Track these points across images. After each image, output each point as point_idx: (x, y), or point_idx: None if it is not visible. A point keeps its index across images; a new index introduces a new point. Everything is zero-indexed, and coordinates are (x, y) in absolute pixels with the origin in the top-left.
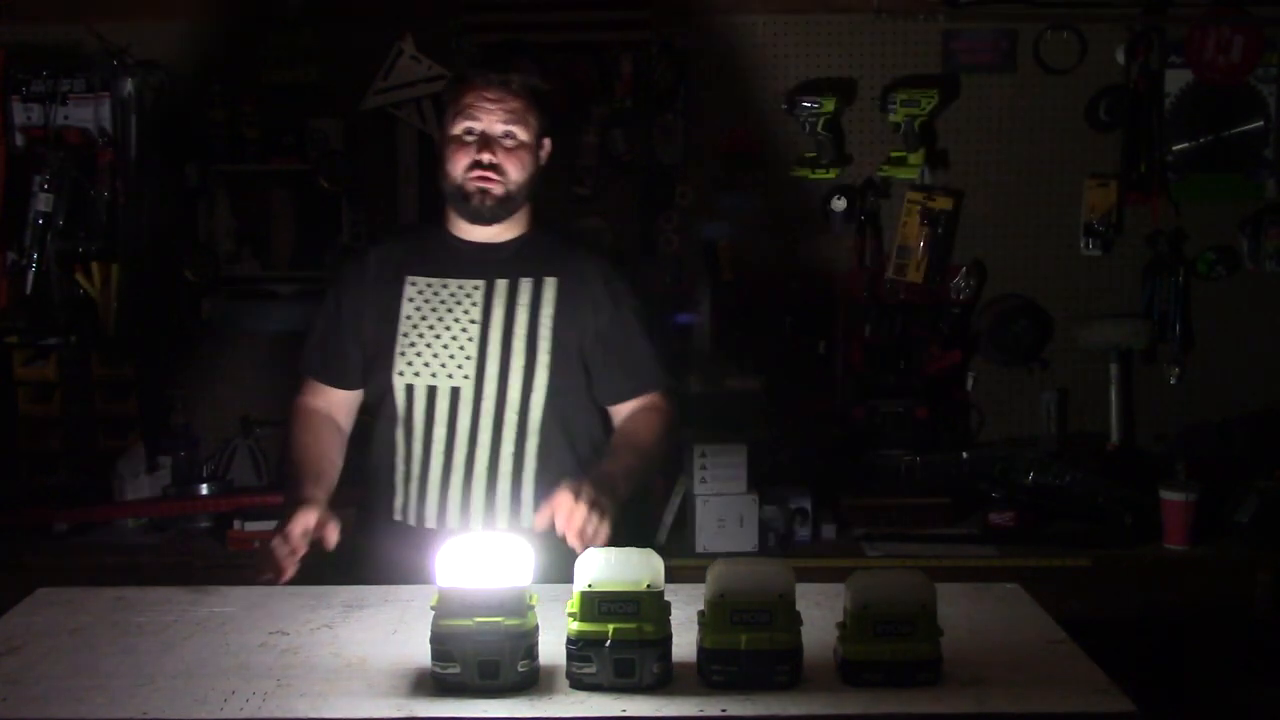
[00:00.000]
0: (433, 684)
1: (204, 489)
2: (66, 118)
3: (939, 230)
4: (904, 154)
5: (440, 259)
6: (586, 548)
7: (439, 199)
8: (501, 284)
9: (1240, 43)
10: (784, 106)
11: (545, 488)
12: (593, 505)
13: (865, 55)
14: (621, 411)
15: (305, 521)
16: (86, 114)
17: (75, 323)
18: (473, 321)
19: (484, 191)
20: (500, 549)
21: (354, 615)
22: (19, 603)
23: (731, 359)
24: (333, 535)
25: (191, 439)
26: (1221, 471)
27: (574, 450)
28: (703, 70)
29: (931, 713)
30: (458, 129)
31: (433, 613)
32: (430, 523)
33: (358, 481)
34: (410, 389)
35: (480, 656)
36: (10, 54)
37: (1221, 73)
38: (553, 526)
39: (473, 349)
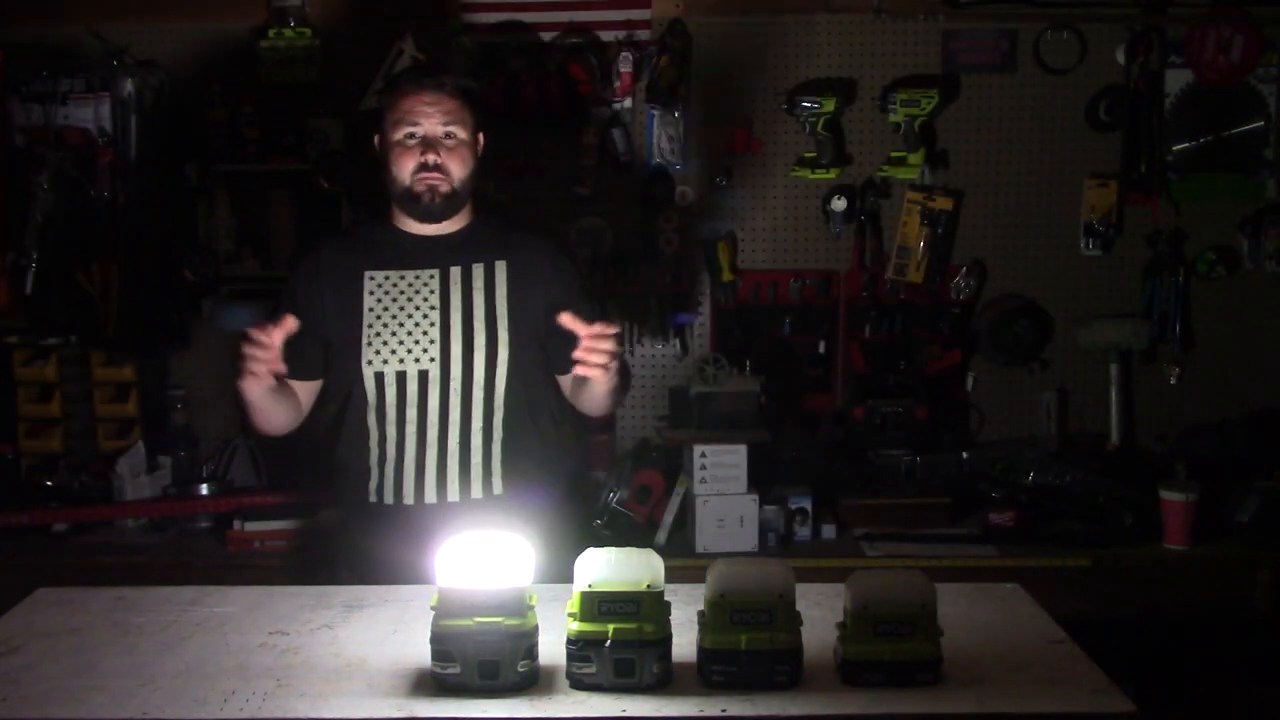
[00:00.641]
0: (433, 684)
1: (204, 489)
2: (66, 118)
3: (939, 230)
4: (904, 154)
5: (394, 253)
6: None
7: (383, 199)
8: (455, 271)
9: (1240, 43)
10: (784, 106)
11: (513, 457)
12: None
13: (865, 55)
14: (571, 380)
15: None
16: (86, 114)
17: (75, 323)
18: (432, 308)
19: (432, 189)
20: (500, 549)
21: (354, 615)
22: (19, 603)
23: (731, 359)
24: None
25: (191, 439)
26: (1221, 471)
27: (536, 420)
28: (703, 70)
29: (931, 713)
30: (399, 134)
31: (433, 613)
32: (408, 499)
33: (331, 481)
34: (380, 376)
35: (480, 656)
36: (10, 54)
37: (1221, 73)
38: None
39: (435, 333)
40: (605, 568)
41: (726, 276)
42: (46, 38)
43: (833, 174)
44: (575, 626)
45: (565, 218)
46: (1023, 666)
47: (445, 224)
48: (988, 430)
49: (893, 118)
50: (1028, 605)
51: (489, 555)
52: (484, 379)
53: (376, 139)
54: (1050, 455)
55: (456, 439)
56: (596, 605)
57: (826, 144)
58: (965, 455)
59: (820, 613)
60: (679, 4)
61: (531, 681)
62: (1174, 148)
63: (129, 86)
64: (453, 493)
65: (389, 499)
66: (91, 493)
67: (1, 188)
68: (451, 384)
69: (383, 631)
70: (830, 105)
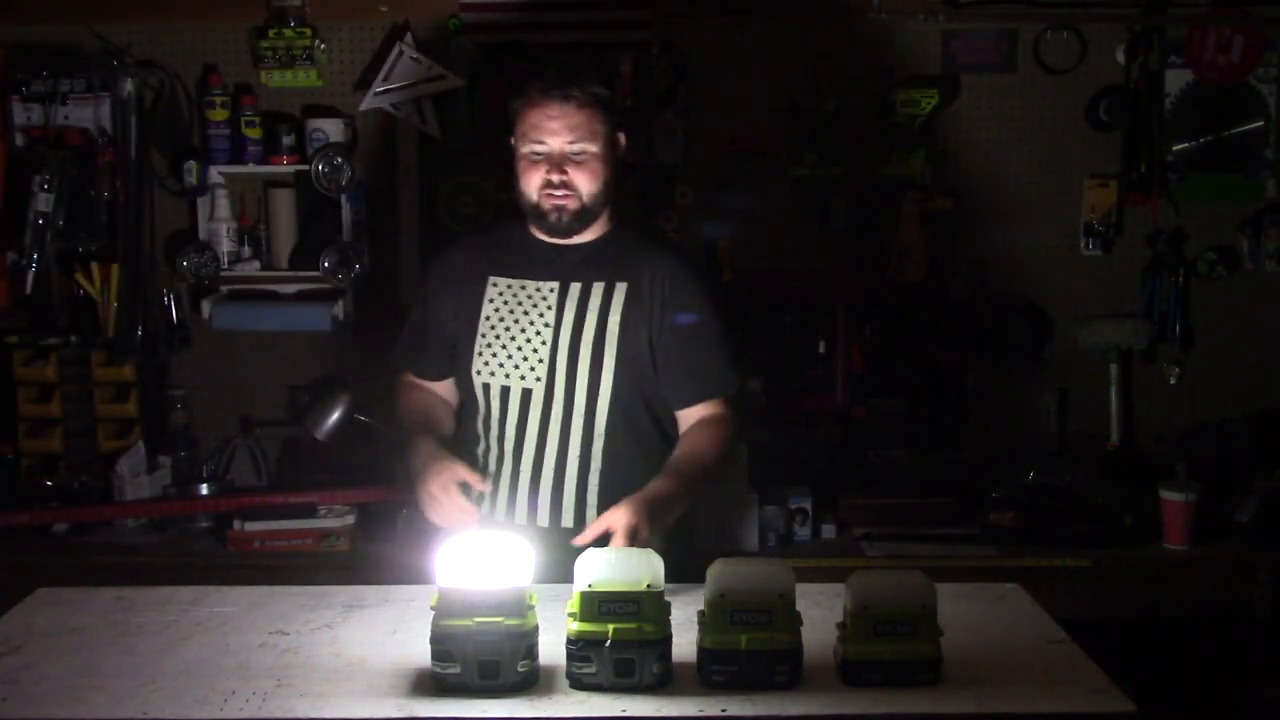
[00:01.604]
0: (433, 684)
1: (204, 489)
2: (66, 118)
3: (939, 230)
4: (904, 154)
5: (520, 260)
6: None
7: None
8: (575, 287)
9: (1240, 43)
10: (784, 106)
11: (611, 489)
12: (631, 536)
13: (865, 55)
14: (685, 417)
15: (447, 476)
16: (86, 114)
17: (75, 323)
18: (546, 325)
19: (560, 209)
20: (500, 549)
21: (354, 615)
22: (19, 603)
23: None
24: (473, 480)
25: (191, 439)
26: (1221, 471)
27: (642, 452)
28: (703, 70)
29: (931, 713)
30: (526, 149)
31: (432, 613)
32: (500, 514)
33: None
34: (487, 387)
35: (480, 656)
36: (10, 54)
37: (1221, 73)
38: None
39: (545, 352)
40: (605, 568)
41: (726, 276)
42: (46, 38)
43: (833, 174)
44: (575, 626)
45: None
46: (1023, 666)
47: (578, 235)
48: (988, 430)
49: (893, 118)
50: (1028, 605)
51: (489, 555)
52: (584, 405)
53: (511, 141)
54: (1050, 455)
55: (552, 465)
56: (596, 605)
57: (827, 144)
58: (965, 455)
59: (820, 613)
60: (679, 4)
61: (532, 681)
62: (1174, 148)
63: (129, 86)
64: (543, 518)
65: (485, 508)
66: (91, 493)
67: (1, 188)
68: (553, 407)
69: (383, 631)
70: (831, 105)
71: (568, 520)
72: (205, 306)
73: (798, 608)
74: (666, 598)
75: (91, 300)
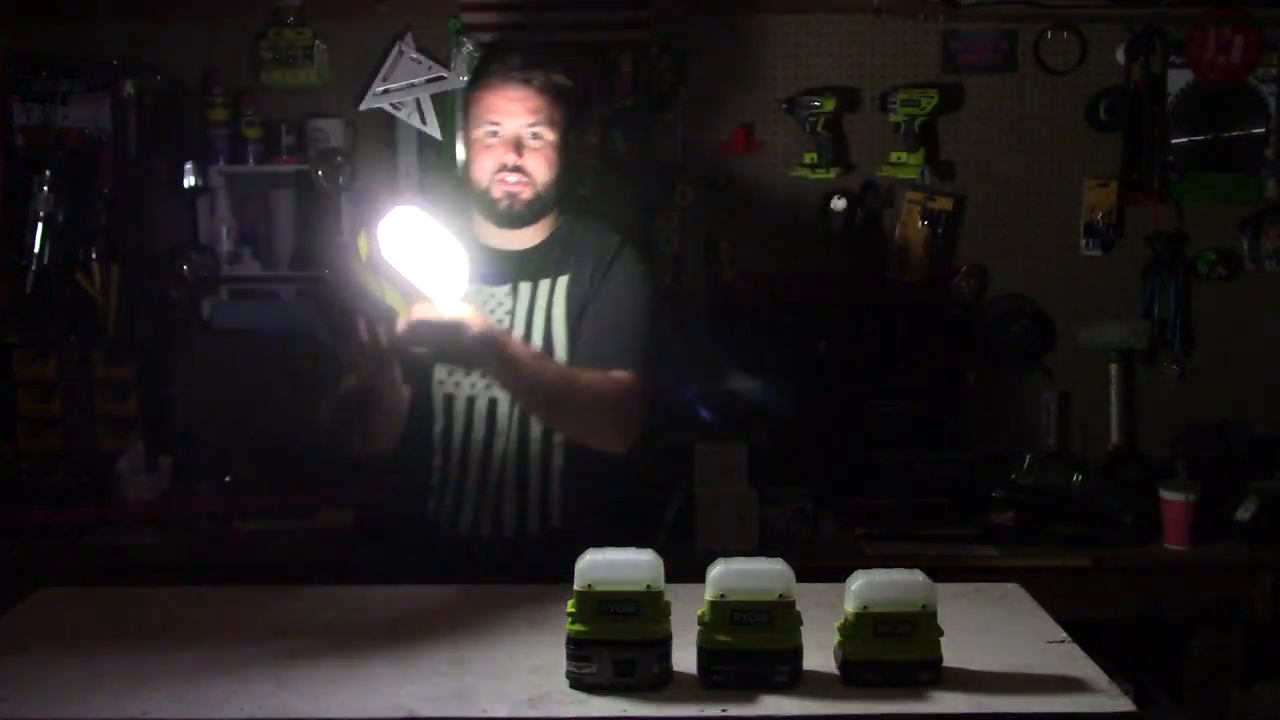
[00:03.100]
0: (433, 684)
1: (204, 489)
2: (66, 118)
3: (939, 230)
4: (904, 154)
5: (473, 266)
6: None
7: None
8: (525, 288)
9: (1240, 43)
10: (784, 106)
11: (573, 493)
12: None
13: (865, 55)
14: None
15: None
16: (86, 114)
17: (75, 323)
18: (504, 330)
19: (512, 195)
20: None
21: (354, 615)
22: (19, 603)
23: (732, 359)
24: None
25: (191, 439)
26: (1221, 471)
27: (603, 455)
28: (703, 70)
29: (931, 713)
30: (480, 130)
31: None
32: (464, 528)
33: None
34: (450, 399)
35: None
36: (10, 54)
37: (1221, 73)
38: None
39: None
40: (605, 568)
41: (726, 276)
42: (46, 38)
43: (833, 174)
44: (575, 626)
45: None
46: (1023, 666)
47: (524, 234)
48: (988, 430)
49: (892, 118)
50: (1028, 605)
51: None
52: None
53: (460, 136)
54: (1050, 455)
55: (513, 471)
56: (596, 605)
57: (826, 144)
58: (965, 455)
59: (820, 613)
60: (679, 4)
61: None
62: (1173, 144)
63: (129, 87)
64: (509, 527)
65: (444, 524)
66: (91, 493)
67: (1, 188)
68: (515, 412)
69: (383, 631)
70: (830, 105)
71: (533, 526)
72: (205, 306)
73: (798, 608)
74: (666, 598)
75: (91, 300)
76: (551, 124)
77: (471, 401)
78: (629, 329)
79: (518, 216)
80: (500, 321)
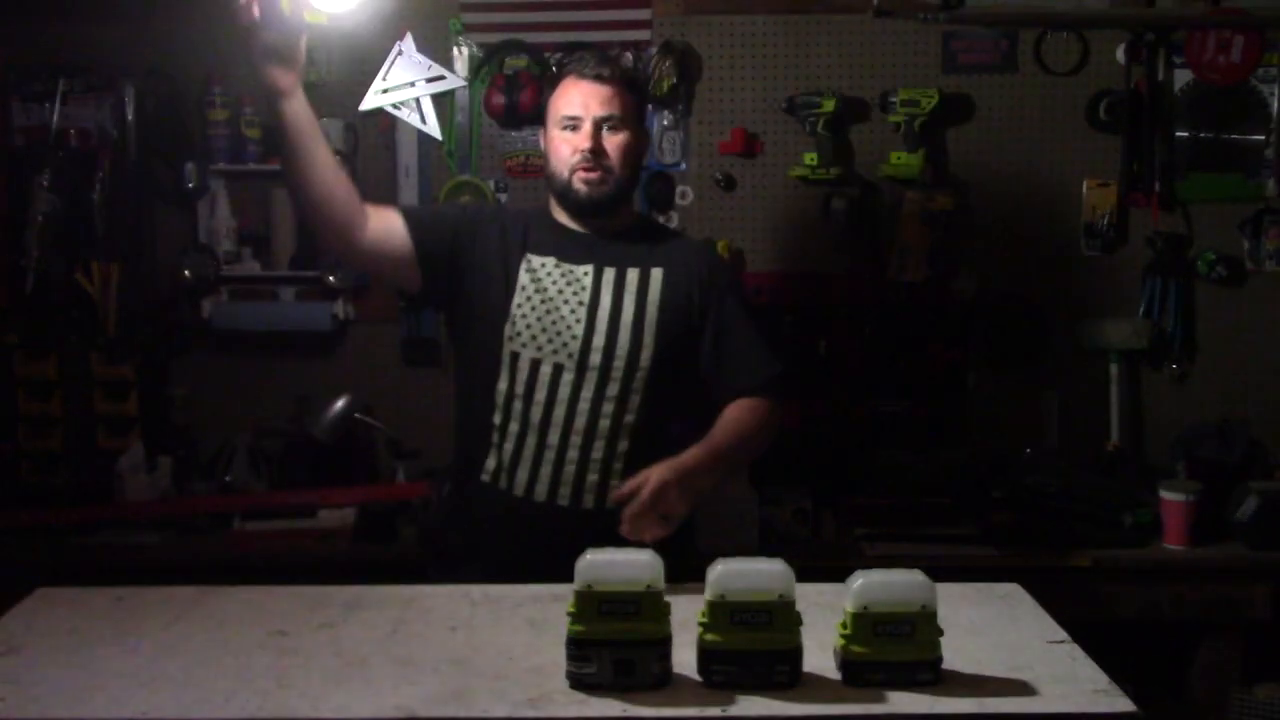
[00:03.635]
0: (433, 684)
1: (204, 489)
2: (66, 118)
3: (939, 230)
4: (904, 154)
5: (554, 243)
6: (637, 540)
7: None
8: (610, 271)
9: (1240, 43)
10: (784, 106)
11: (635, 473)
12: (659, 492)
13: (865, 55)
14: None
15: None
16: (86, 114)
17: (75, 323)
18: (581, 304)
19: (590, 183)
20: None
21: (354, 615)
22: (19, 603)
23: None
24: None
25: (191, 439)
26: (1221, 471)
27: (668, 439)
28: (702, 71)
29: (931, 713)
30: (558, 123)
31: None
32: (519, 491)
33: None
34: (515, 356)
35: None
36: (10, 54)
37: (1221, 73)
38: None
39: (580, 329)
40: (605, 568)
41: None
42: (46, 38)
43: (833, 174)
44: (575, 626)
45: None
46: (1023, 666)
47: (605, 223)
48: (987, 430)
49: (892, 118)
50: (1028, 605)
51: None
52: (619, 387)
53: (542, 136)
54: (1050, 455)
55: (579, 444)
56: (596, 605)
57: (826, 144)
58: (965, 455)
59: (820, 613)
60: (679, 4)
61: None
62: (1174, 140)
63: (129, 87)
64: (564, 496)
65: (502, 483)
66: (91, 493)
67: (1, 188)
68: (585, 386)
69: (383, 631)
70: (830, 105)
71: (588, 502)
72: (205, 306)
73: (798, 608)
74: (666, 598)
75: (91, 300)
76: (625, 113)
77: (536, 364)
78: (757, 347)
79: (596, 206)
80: (576, 295)
